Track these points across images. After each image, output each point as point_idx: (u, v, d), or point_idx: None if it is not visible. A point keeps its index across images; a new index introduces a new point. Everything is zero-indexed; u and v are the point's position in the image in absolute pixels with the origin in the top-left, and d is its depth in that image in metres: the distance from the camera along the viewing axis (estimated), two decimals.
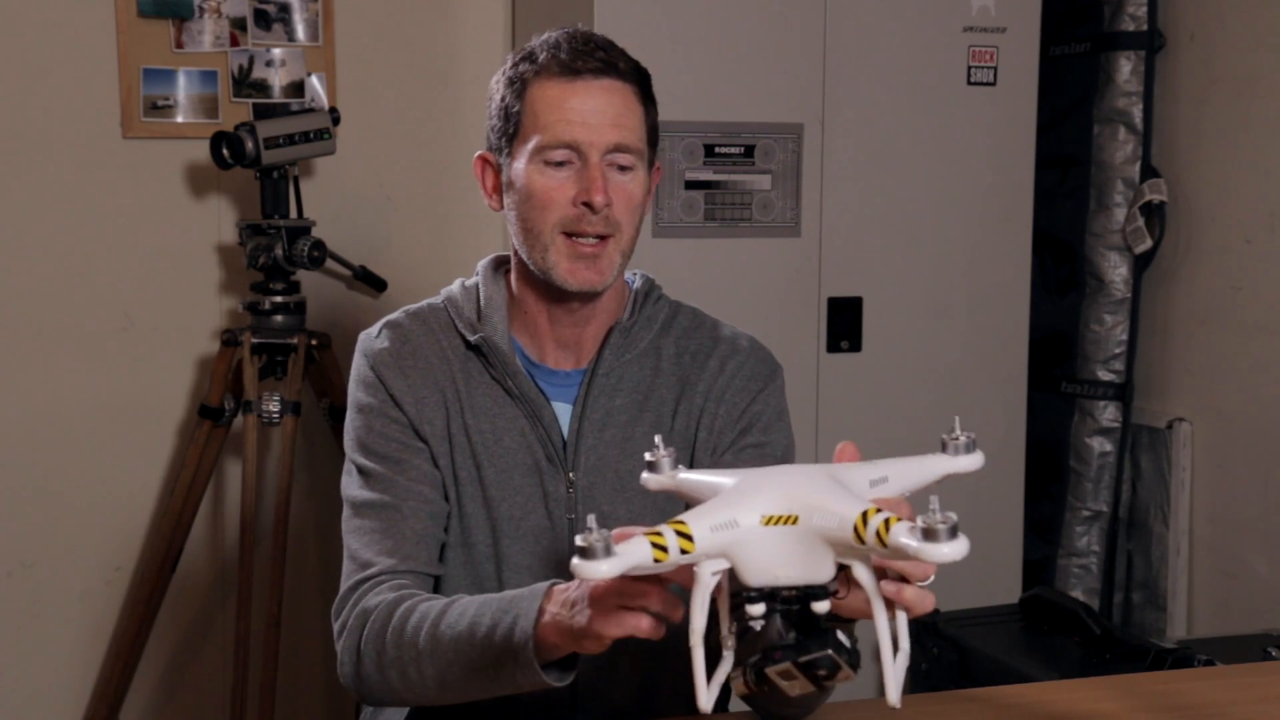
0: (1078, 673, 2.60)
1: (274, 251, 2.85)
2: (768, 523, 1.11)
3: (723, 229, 2.90)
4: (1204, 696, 1.67)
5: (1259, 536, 3.01)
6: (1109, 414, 3.30)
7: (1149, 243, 3.21)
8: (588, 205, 1.54)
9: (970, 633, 2.84)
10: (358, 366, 1.66)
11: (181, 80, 3.02)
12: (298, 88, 3.09)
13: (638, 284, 1.71)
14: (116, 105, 3.00)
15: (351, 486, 1.63)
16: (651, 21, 2.82)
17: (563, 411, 1.63)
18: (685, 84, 2.85)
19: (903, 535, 1.07)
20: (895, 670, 1.13)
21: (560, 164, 1.56)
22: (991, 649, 2.78)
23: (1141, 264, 3.25)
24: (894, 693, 1.13)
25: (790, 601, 1.13)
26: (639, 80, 1.61)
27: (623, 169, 1.57)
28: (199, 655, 3.17)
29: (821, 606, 1.13)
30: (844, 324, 3.00)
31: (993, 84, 3.05)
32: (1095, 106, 3.27)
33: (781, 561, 1.11)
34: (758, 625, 1.13)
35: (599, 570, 1.07)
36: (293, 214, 2.92)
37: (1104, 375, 3.30)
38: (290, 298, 2.90)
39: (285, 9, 3.07)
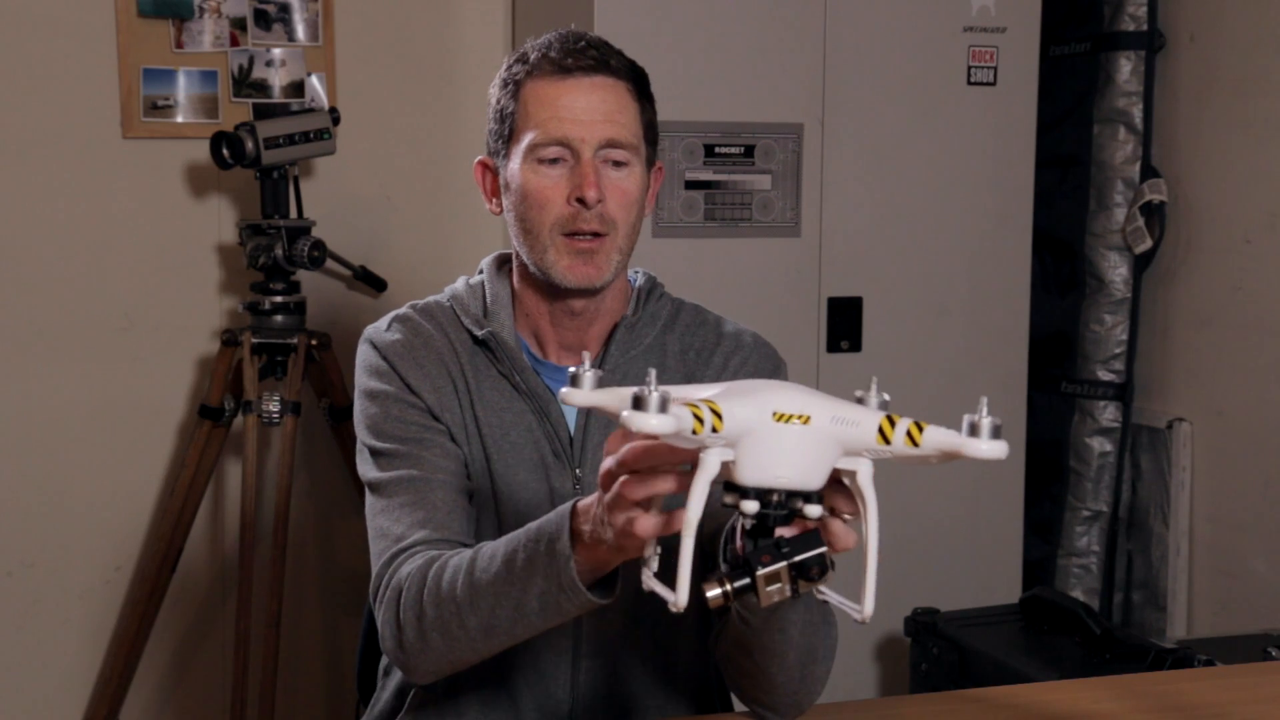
0: (1078, 673, 2.60)
1: (274, 251, 2.85)
2: (778, 419, 1.12)
3: (723, 229, 2.90)
4: (1204, 696, 1.67)
5: (1259, 536, 3.01)
6: (1109, 414, 3.30)
7: (1149, 243, 3.21)
8: (581, 202, 1.54)
9: (970, 633, 2.84)
10: (367, 356, 1.64)
11: (181, 80, 3.03)
12: (298, 88, 3.09)
13: (640, 281, 1.71)
14: (116, 105, 3.00)
15: (371, 470, 1.60)
16: (651, 21, 2.82)
17: (568, 408, 1.63)
18: (685, 84, 2.85)
19: (941, 434, 1.12)
20: (870, 581, 1.16)
21: (554, 161, 1.56)
22: (991, 649, 2.78)
23: (1141, 264, 3.25)
24: (869, 604, 1.16)
25: (778, 506, 1.14)
26: (633, 78, 1.61)
27: (617, 165, 1.57)
28: (199, 655, 3.17)
29: (814, 510, 1.15)
30: (844, 324, 3.00)
31: (993, 84, 3.05)
32: (1095, 106, 3.27)
33: (783, 461, 1.12)
34: (749, 524, 1.15)
35: (649, 424, 1.06)
36: (293, 214, 2.92)
37: (1104, 375, 3.30)
38: (290, 298, 2.90)
39: (285, 9, 3.07)
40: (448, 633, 1.43)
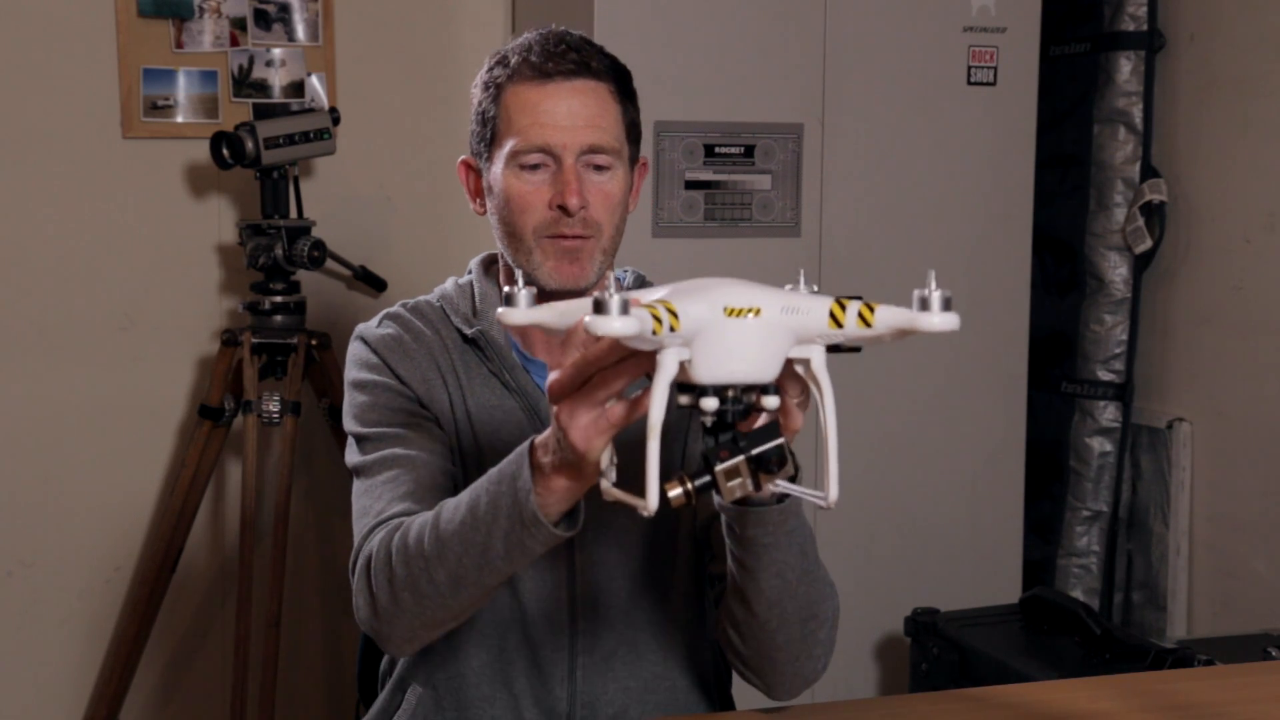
0: (1078, 673, 2.60)
1: (274, 251, 2.85)
2: (730, 314, 1.12)
3: (723, 229, 2.90)
4: (1204, 696, 1.67)
5: (1259, 536, 3.01)
6: (1109, 414, 3.30)
7: (1149, 243, 3.21)
8: (563, 208, 1.55)
9: (970, 633, 2.84)
10: (357, 351, 1.65)
11: (181, 80, 3.03)
12: (298, 88, 3.09)
13: (629, 281, 1.72)
14: (116, 105, 3.00)
15: (356, 456, 1.61)
16: (651, 21, 2.82)
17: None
18: (685, 84, 2.85)
19: (892, 311, 1.13)
20: (832, 466, 1.17)
21: (535, 167, 1.56)
22: (991, 649, 2.78)
23: (1141, 264, 3.25)
24: (834, 489, 1.18)
25: (734, 401, 1.14)
26: (615, 78, 1.60)
27: (599, 169, 1.58)
28: (199, 655, 3.17)
29: (772, 402, 1.15)
30: None
31: (993, 84, 3.05)
32: (1095, 106, 3.27)
33: (738, 355, 1.12)
34: (709, 422, 1.15)
35: (612, 326, 1.05)
36: (293, 214, 2.92)
37: (1104, 375, 3.30)
38: (290, 298, 2.91)
39: (285, 9, 3.07)
40: (417, 590, 1.42)
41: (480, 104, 1.61)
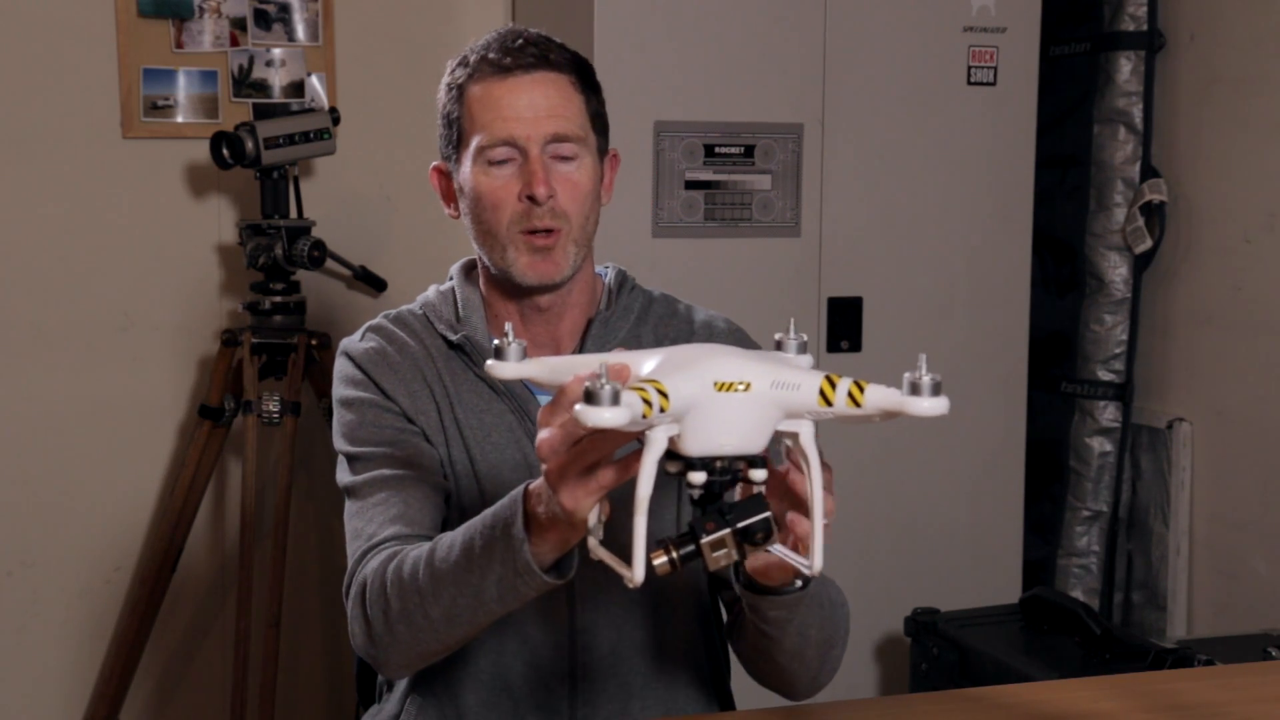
0: (1078, 673, 2.60)
1: (274, 251, 2.85)
2: (720, 389, 1.12)
3: (723, 229, 2.90)
4: (1204, 696, 1.67)
5: (1259, 536, 3.01)
6: (1109, 414, 3.30)
7: (1149, 243, 3.21)
8: (532, 199, 1.56)
9: (970, 633, 2.84)
10: (343, 368, 1.66)
11: (181, 80, 3.03)
12: (298, 88, 3.09)
13: (611, 276, 1.72)
14: (116, 105, 3.00)
15: (347, 475, 1.62)
16: (651, 21, 2.82)
17: None
18: (685, 84, 2.85)
19: (882, 392, 1.13)
20: (818, 536, 1.18)
21: (502, 162, 1.57)
22: (991, 649, 2.78)
23: (1141, 264, 3.25)
24: (818, 559, 1.18)
25: (722, 473, 1.14)
26: (575, 70, 1.62)
27: (565, 159, 1.58)
28: (199, 655, 3.17)
29: (759, 474, 1.15)
30: (844, 324, 3.00)
31: (993, 84, 3.05)
32: (1095, 106, 3.27)
33: (727, 429, 1.13)
34: (696, 494, 1.15)
35: (602, 417, 1.05)
36: (293, 214, 2.92)
37: (1104, 375, 3.30)
38: (290, 298, 2.91)
39: (285, 9, 3.07)
40: (412, 623, 1.43)
41: (444, 106, 1.63)
